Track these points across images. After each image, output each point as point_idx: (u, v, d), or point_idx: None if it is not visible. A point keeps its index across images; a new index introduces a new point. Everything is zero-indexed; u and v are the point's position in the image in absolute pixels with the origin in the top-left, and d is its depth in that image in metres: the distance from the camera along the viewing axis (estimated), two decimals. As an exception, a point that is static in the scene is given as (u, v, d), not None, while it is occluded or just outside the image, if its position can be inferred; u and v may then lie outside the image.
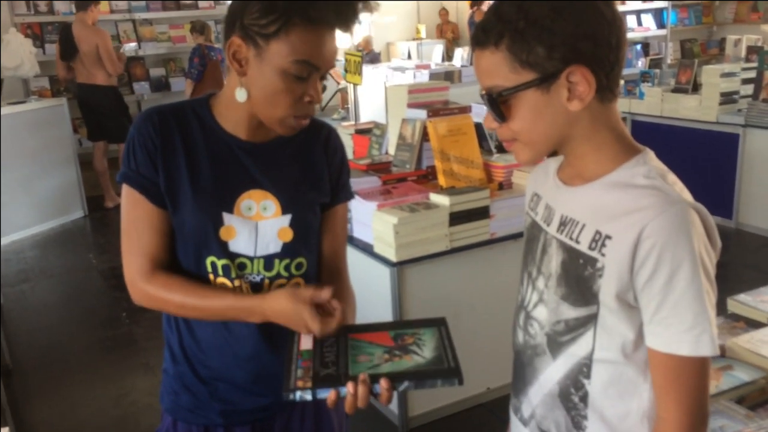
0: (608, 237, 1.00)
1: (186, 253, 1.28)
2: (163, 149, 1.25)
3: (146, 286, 1.25)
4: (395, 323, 1.29)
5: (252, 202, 1.27)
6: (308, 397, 1.10)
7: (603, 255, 1.00)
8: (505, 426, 1.28)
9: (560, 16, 0.96)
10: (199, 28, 6.44)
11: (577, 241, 1.05)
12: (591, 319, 1.04)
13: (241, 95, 1.22)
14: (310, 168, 1.34)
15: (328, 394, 1.10)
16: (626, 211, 0.98)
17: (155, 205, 1.25)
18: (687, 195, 1.00)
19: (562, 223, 1.09)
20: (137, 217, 1.26)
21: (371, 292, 2.59)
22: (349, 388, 1.09)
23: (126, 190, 1.26)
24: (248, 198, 1.27)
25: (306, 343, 1.20)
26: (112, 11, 7.30)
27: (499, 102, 1.02)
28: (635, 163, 1.03)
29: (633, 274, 0.98)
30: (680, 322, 0.96)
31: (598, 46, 0.97)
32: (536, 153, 1.06)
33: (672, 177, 1.03)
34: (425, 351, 1.17)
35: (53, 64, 6.97)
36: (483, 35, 1.01)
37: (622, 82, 1.11)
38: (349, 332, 1.23)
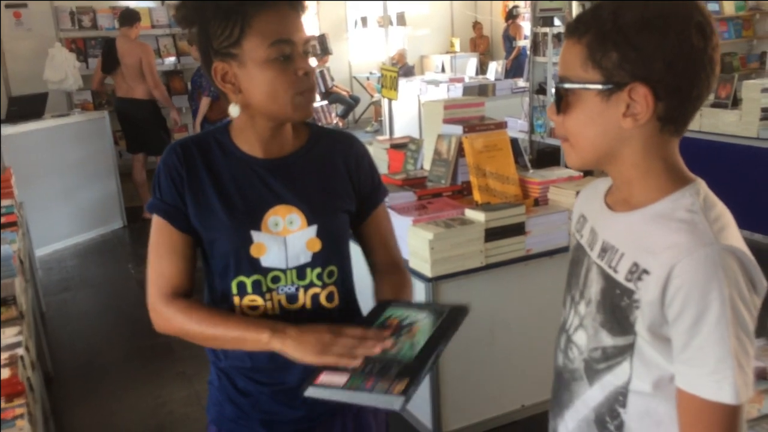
0: (645, 271, 0.98)
1: (217, 277, 1.34)
2: (189, 178, 1.31)
3: (165, 310, 1.30)
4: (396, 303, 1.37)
5: (278, 217, 1.31)
6: (399, 404, 1.06)
7: (638, 288, 0.98)
8: (540, 445, 1.28)
9: (646, 29, 0.94)
10: None
11: (616, 270, 1.03)
12: (628, 349, 1.02)
13: (234, 111, 1.30)
14: (331, 177, 1.38)
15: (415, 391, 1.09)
16: (662, 246, 0.96)
17: (178, 230, 1.31)
18: (729, 233, 0.96)
19: (603, 249, 1.07)
20: (160, 243, 1.32)
21: (406, 307, 2.60)
22: None
23: (153, 220, 1.33)
24: (274, 214, 1.31)
25: None
26: (153, 26, 7.47)
27: (561, 93, 1.01)
28: (681, 194, 1.00)
29: (665, 310, 0.96)
30: (703, 365, 0.93)
31: (672, 73, 0.94)
32: (582, 159, 1.05)
33: (716, 212, 0.98)
34: (418, 317, 1.25)
35: (96, 77, 7.15)
36: (574, 25, 1.01)
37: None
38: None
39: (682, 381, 0.96)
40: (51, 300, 4.57)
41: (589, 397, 1.09)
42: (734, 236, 0.97)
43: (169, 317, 1.30)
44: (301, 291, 1.33)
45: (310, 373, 1.16)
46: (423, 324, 1.22)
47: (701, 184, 1.02)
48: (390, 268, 1.46)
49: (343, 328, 1.22)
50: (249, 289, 1.31)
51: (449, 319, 1.23)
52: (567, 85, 1.01)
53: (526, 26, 9.60)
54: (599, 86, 0.97)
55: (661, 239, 0.97)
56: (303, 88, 1.26)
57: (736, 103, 5.08)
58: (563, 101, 1.02)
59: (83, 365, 3.72)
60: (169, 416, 3.16)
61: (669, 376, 0.99)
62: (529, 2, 8.40)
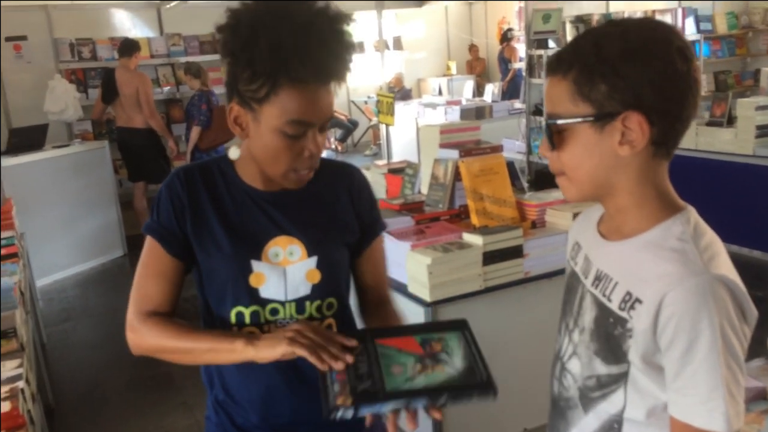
0: (638, 300, 0.99)
1: (215, 306, 1.34)
2: (191, 204, 1.32)
3: (140, 326, 1.30)
4: (418, 326, 1.31)
5: (279, 248, 1.32)
6: (349, 414, 1.09)
7: (632, 317, 0.99)
8: (541, 469, 1.28)
9: (630, 59, 0.96)
10: (194, 71, 6.22)
11: (609, 299, 1.04)
12: (622, 378, 1.03)
13: (234, 154, 1.31)
14: (332, 209, 1.38)
15: (369, 412, 1.10)
16: (654, 275, 0.97)
17: (169, 254, 1.31)
18: (719, 262, 0.97)
19: (597, 278, 1.08)
20: (148, 264, 1.33)
21: (406, 332, 2.60)
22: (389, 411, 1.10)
23: (146, 241, 1.34)
24: (275, 245, 1.32)
25: None
26: (152, 56, 7.54)
27: (553, 129, 1.03)
28: (672, 222, 1.01)
29: (657, 338, 0.97)
30: (695, 394, 0.94)
31: (661, 98, 0.96)
32: (580, 192, 1.06)
33: (706, 240, 0.99)
34: (455, 360, 1.18)
35: (96, 108, 7.19)
36: (556, 63, 1.02)
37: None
38: (374, 337, 1.24)
39: (675, 409, 0.97)
40: (52, 331, 4.57)
41: (584, 425, 1.10)
42: (724, 265, 0.97)
43: (144, 333, 1.30)
44: None
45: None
46: (448, 370, 1.16)
47: (691, 212, 1.03)
48: (380, 303, 1.46)
49: (315, 324, 1.24)
50: (247, 320, 1.31)
51: (473, 386, 1.15)
52: (560, 121, 1.02)
53: (521, 48, 9.69)
54: (592, 118, 0.99)
55: (653, 268, 0.98)
56: (303, 167, 1.27)
57: (731, 121, 5.12)
58: (556, 137, 1.03)
59: (84, 396, 3.71)
60: (170, 446, 3.15)
61: (663, 404, 1.00)
62: (523, 24, 8.50)
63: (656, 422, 1.01)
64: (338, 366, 1.16)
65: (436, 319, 2.57)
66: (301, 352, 1.17)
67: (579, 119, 1.00)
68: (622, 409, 1.04)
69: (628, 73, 0.96)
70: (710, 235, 1.01)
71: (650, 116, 0.97)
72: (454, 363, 1.17)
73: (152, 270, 1.32)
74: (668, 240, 0.99)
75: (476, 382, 1.13)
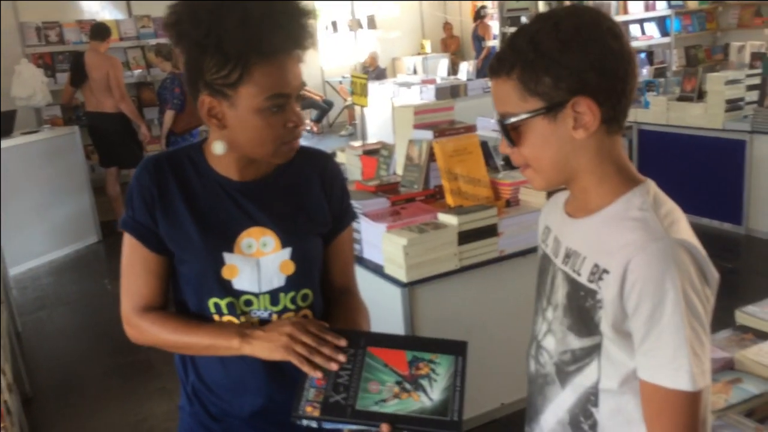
0: (605, 271, 1.02)
1: (190, 295, 1.33)
2: (161, 197, 1.30)
3: (139, 322, 1.32)
4: (415, 340, 1.31)
5: (252, 239, 1.31)
6: (313, 425, 1.13)
7: (600, 288, 1.03)
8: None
9: (567, 48, 1.00)
10: (165, 53, 6.11)
11: (579, 273, 1.07)
12: (595, 350, 1.06)
13: (218, 148, 1.27)
14: (306, 199, 1.37)
15: (332, 428, 1.13)
16: (618, 245, 1.01)
17: (151, 251, 1.31)
18: (679, 227, 1.01)
19: (567, 255, 1.12)
20: (134, 262, 1.32)
21: (383, 313, 2.62)
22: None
23: (126, 236, 1.33)
24: (248, 236, 1.31)
25: None
26: (121, 38, 7.42)
27: (509, 128, 1.06)
28: (633, 194, 1.05)
29: (624, 305, 1.00)
30: (662, 355, 0.97)
31: (604, 78, 1.01)
32: (547, 180, 1.10)
33: (666, 209, 1.04)
34: (435, 389, 1.18)
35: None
36: (497, 65, 1.06)
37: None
38: (368, 344, 1.25)
39: (644, 372, 1.00)
40: (27, 319, 4.52)
41: (562, 400, 1.13)
42: (684, 230, 1.01)
43: (144, 328, 1.32)
44: (275, 317, 1.32)
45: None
46: (424, 400, 1.16)
47: (650, 184, 1.08)
48: (345, 293, 1.46)
49: (307, 324, 1.25)
50: (224, 310, 1.31)
51: (440, 423, 1.14)
52: (513, 120, 1.05)
53: (494, 25, 9.68)
54: (544, 111, 1.03)
55: (617, 239, 1.02)
56: (290, 138, 1.26)
57: (701, 95, 5.17)
58: (514, 134, 1.07)
59: (61, 384, 3.68)
60: (150, 432, 3.15)
61: (634, 372, 1.03)
62: (497, 2, 8.48)
63: (630, 391, 1.04)
64: (332, 367, 1.20)
65: (413, 299, 2.59)
66: (297, 362, 1.20)
67: (531, 114, 1.03)
68: (596, 381, 1.07)
69: (568, 61, 1.00)
70: (670, 204, 1.05)
71: (597, 97, 1.01)
72: (432, 393, 1.18)
73: (137, 268, 1.32)
74: (630, 211, 1.03)
75: (445, 421, 1.13)
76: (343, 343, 1.23)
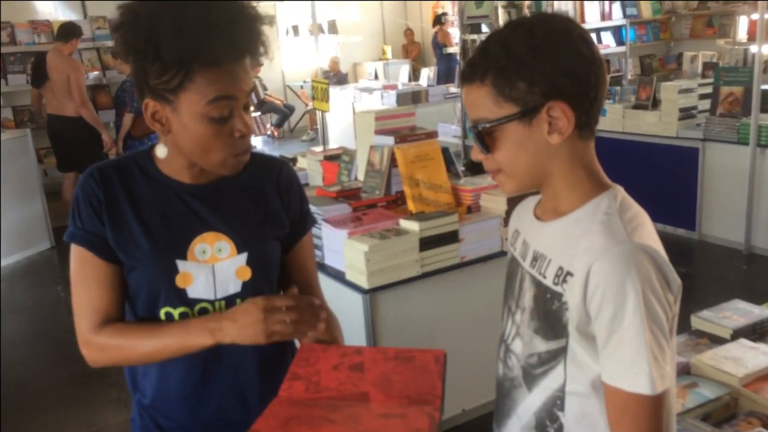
0: (569, 273, 1.03)
1: (140, 306, 1.27)
2: (108, 204, 1.24)
3: (98, 339, 1.24)
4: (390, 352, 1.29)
5: (205, 245, 1.26)
6: None
7: (565, 290, 1.03)
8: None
9: (540, 54, 1.01)
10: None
11: (544, 276, 1.08)
12: (561, 352, 1.06)
13: (160, 151, 1.24)
14: (262, 202, 1.34)
15: None
16: (582, 248, 1.02)
17: (103, 260, 1.24)
18: (643, 232, 1.02)
19: (534, 258, 1.12)
20: (86, 276, 1.25)
21: (345, 319, 2.57)
22: None
23: (73, 249, 1.25)
24: (201, 242, 1.26)
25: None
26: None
27: (484, 134, 1.06)
28: (601, 199, 1.06)
29: (587, 308, 1.01)
30: (623, 359, 0.98)
31: (576, 84, 1.02)
32: (519, 184, 1.10)
33: (631, 213, 1.05)
34: None
35: (17, 95, 6.89)
36: (470, 71, 1.06)
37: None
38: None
39: (606, 375, 1.01)
40: (-25, 328, 4.37)
41: (529, 403, 1.13)
42: (648, 236, 1.03)
43: (104, 344, 1.24)
44: None
45: None
46: None
47: (619, 190, 1.09)
48: None
49: (273, 300, 1.19)
50: (177, 319, 1.26)
51: None
52: (488, 125, 1.05)
53: (455, 33, 9.76)
54: (519, 115, 1.03)
55: (582, 242, 1.02)
56: (238, 150, 1.21)
57: (656, 104, 5.30)
58: (488, 140, 1.07)
59: (13, 395, 3.56)
60: (105, 443, 3.07)
61: (599, 376, 1.03)
62: (457, 8, 8.54)
63: (595, 394, 1.05)
64: (320, 328, 1.19)
65: (374, 306, 2.58)
66: (282, 338, 1.17)
67: (507, 119, 1.04)
68: (563, 384, 1.08)
69: (541, 66, 1.01)
70: (636, 209, 1.07)
71: (570, 102, 1.02)
72: None
73: (90, 281, 1.24)
74: (596, 215, 1.04)
75: None
76: (317, 301, 1.21)
